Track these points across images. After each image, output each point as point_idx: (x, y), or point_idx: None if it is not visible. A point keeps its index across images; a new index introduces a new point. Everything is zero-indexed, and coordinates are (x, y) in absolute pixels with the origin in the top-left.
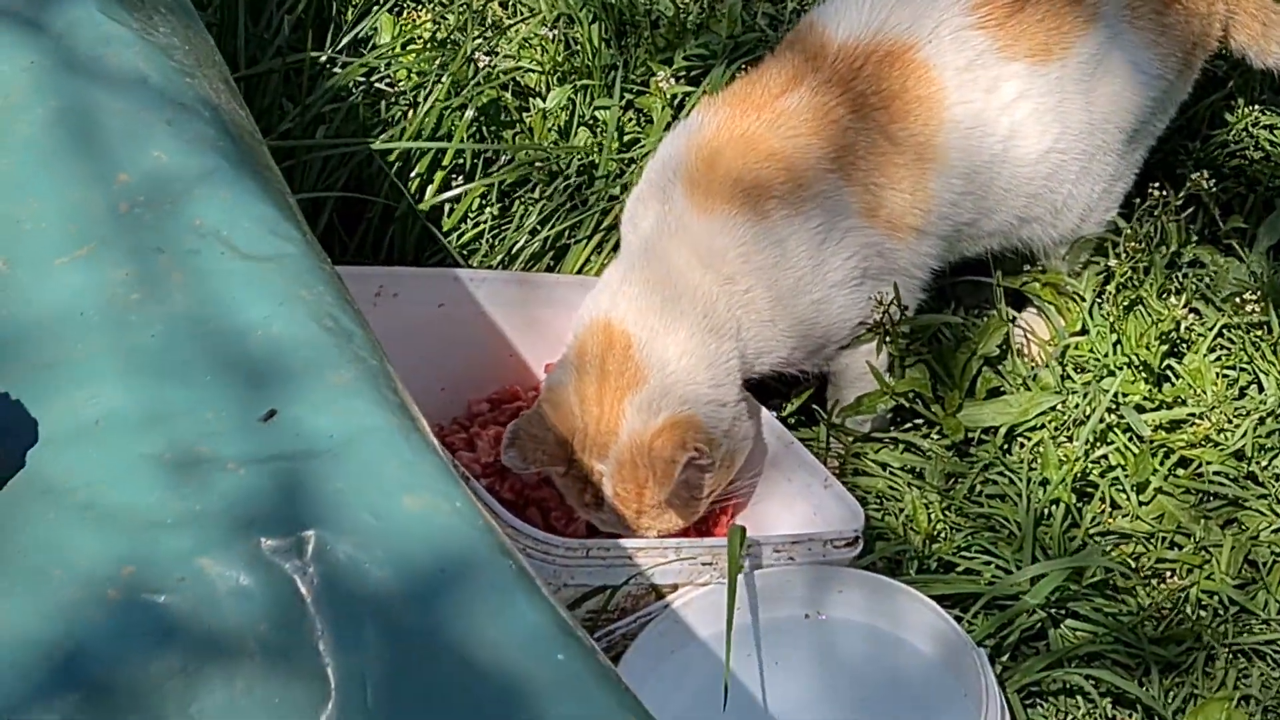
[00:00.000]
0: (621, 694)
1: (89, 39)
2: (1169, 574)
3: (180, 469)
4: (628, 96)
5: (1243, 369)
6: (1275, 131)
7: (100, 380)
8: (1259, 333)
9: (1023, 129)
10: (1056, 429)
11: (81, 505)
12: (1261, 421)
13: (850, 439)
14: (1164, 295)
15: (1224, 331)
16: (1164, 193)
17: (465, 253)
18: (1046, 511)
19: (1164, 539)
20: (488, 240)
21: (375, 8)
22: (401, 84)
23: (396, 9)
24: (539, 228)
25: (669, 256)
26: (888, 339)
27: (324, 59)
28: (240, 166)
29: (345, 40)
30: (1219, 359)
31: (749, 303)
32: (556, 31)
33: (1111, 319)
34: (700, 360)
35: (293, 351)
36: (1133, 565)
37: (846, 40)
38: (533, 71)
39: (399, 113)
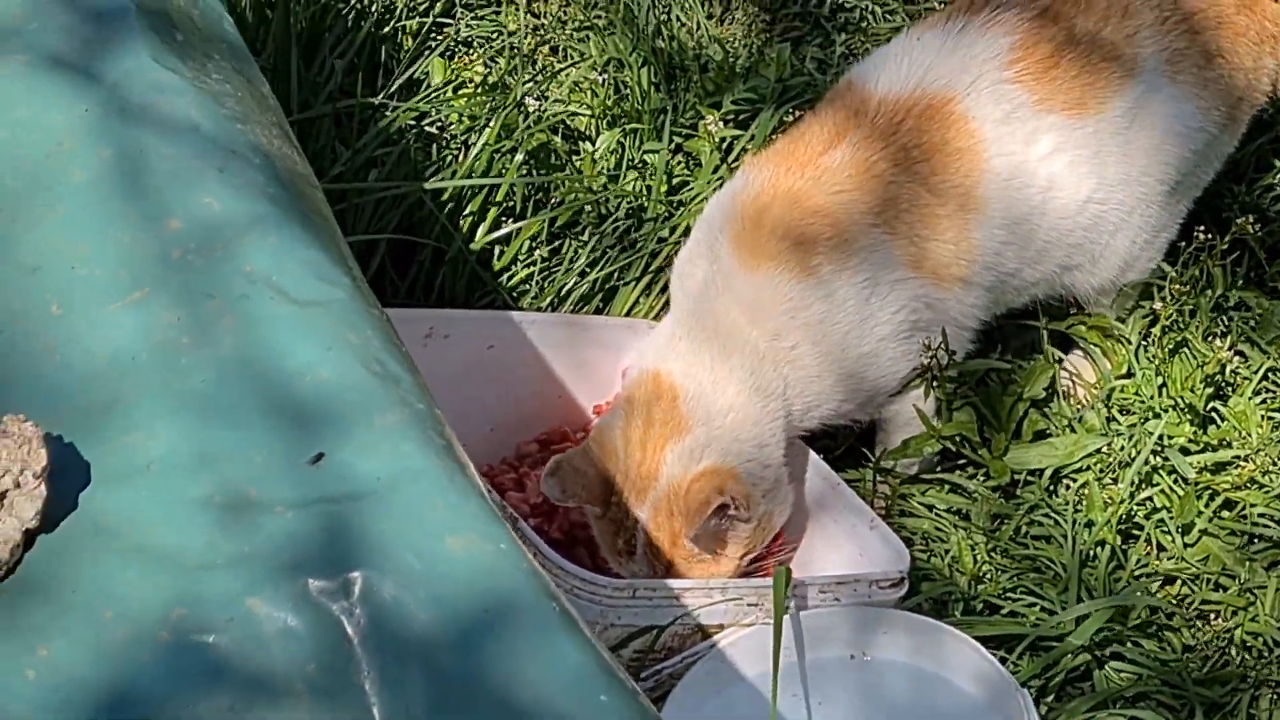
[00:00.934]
0: None
1: (142, 87)
2: (1213, 615)
3: (230, 511)
4: (676, 140)
5: None
6: None
7: (152, 423)
8: None
9: (1060, 180)
10: (1102, 471)
11: (133, 547)
12: None
13: (897, 480)
14: (1209, 338)
15: (1269, 374)
16: (1209, 236)
17: (515, 294)
18: (1092, 553)
19: (1208, 581)
20: (537, 282)
21: (427, 52)
22: (452, 127)
23: (448, 53)
24: (588, 270)
25: (717, 313)
26: (935, 383)
27: (376, 103)
28: (290, 213)
29: (397, 84)
30: (1264, 401)
31: (796, 359)
32: (606, 75)
33: (1157, 361)
34: (746, 418)
35: (340, 395)
36: (1177, 606)
37: (886, 95)
38: (582, 115)
39: (450, 156)
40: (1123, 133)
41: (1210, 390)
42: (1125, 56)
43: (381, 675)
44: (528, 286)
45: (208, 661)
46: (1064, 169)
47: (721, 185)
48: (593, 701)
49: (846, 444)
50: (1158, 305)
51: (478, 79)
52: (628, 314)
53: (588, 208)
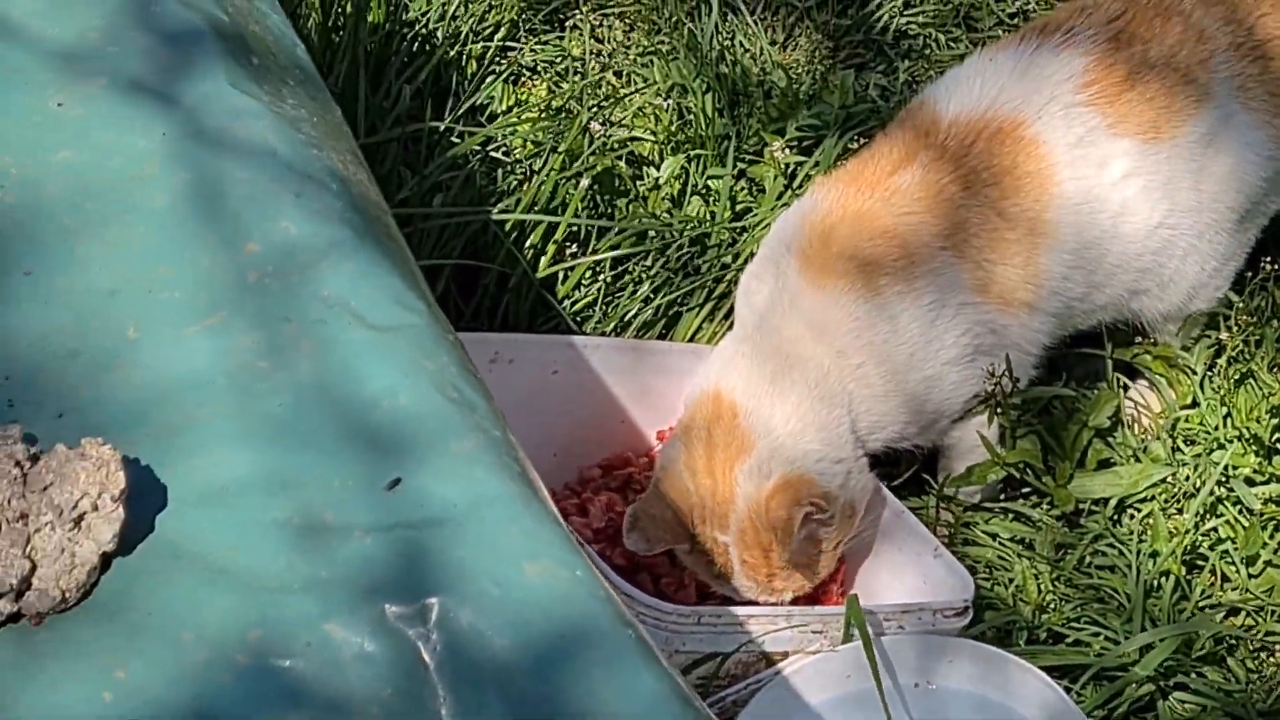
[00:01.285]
0: None
1: (219, 111)
2: (1278, 647)
3: (307, 535)
4: (740, 166)
5: None
6: None
7: (228, 447)
8: None
9: (1132, 205)
10: (1166, 501)
11: (210, 570)
12: None
13: (960, 508)
14: (1275, 368)
15: None
16: (1276, 266)
17: (579, 319)
18: (1156, 583)
19: (1273, 612)
20: (601, 307)
21: (491, 77)
22: (517, 152)
23: (512, 78)
24: (652, 296)
25: (781, 329)
26: (999, 410)
27: (443, 128)
28: (366, 238)
29: (463, 109)
30: None
31: (861, 377)
32: (670, 101)
33: (1222, 392)
34: (809, 425)
35: (417, 421)
36: (1242, 637)
37: (957, 117)
38: (646, 140)
39: (515, 181)
40: (1196, 159)
41: (1276, 421)
42: (1200, 82)
43: (458, 702)
44: (591, 311)
45: (285, 685)
46: (1137, 194)
47: (785, 211)
48: None
49: (909, 471)
50: (1223, 335)
51: (542, 104)
52: (691, 340)
53: (651, 233)
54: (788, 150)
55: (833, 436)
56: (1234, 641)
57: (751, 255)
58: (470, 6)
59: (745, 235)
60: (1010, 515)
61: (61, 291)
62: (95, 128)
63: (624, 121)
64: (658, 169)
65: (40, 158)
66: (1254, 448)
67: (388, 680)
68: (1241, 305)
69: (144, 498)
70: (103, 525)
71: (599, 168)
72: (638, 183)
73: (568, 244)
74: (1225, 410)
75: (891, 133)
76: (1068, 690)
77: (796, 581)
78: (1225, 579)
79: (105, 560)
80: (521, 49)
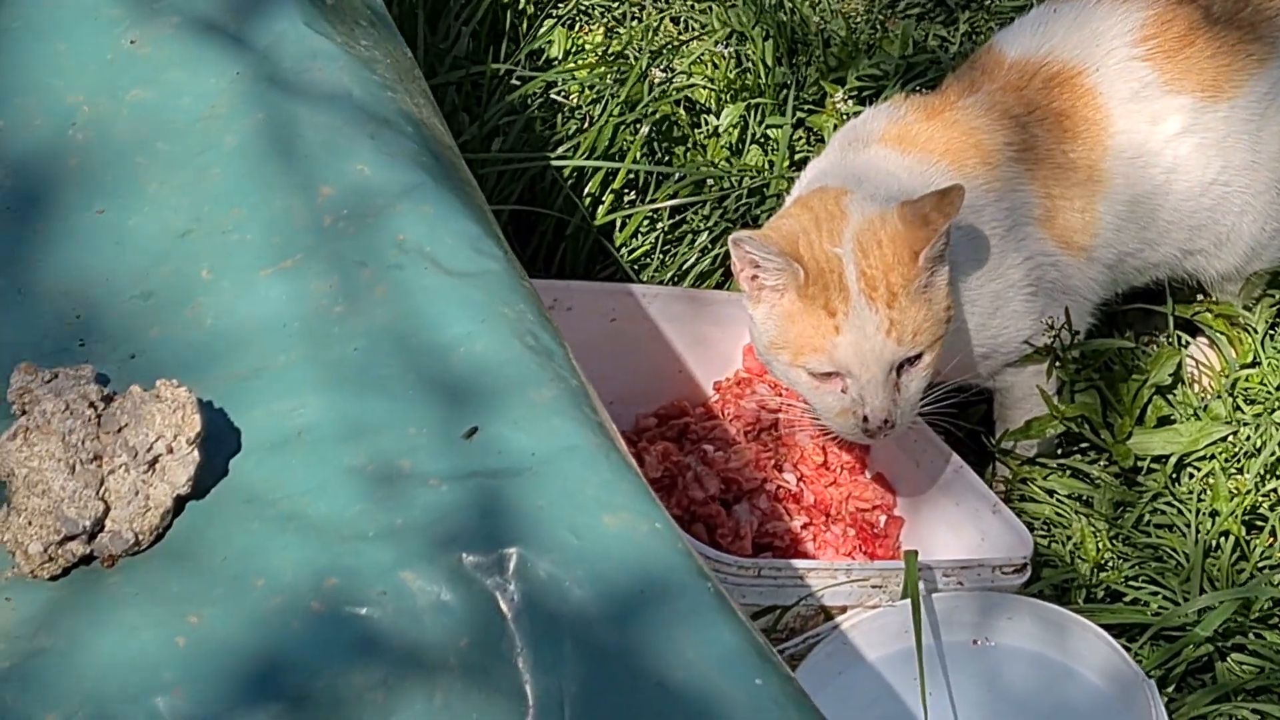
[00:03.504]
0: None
1: (294, 53)
2: None
3: (383, 482)
4: (800, 115)
5: None
6: None
7: (303, 391)
8: None
9: (1186, 163)
10: (1227, 460)
11: (284, 515)
12: None
13: (1017, 462)
14: None
15: None
16: None
17: (637, 267)
18: (1215, 543)
19: None
20: (659, 255)
21: (549, 20)
22: (575, 98)
23: (569, 22)
24: (710, 245)
25: (871, 163)
26: (1058, 363)
27: (503, 70)
28: (442, 182)
29: (521, 52)
30: None
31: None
32: (729, 49)
33: None
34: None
35: (495, 369)
36: None
37: (1018, 58)
38: (704, 88)
39: (574, 126)
40: (1256, 119)
41: None
42: (1264, 39)
43: (535, 652)
44: (649, 260)
45: (360, 633)
46: (1191, 151)
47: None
48: (748, 684)
49: (967, 430)
50: None
51: (599, 49)
52: None
53: (710, 182)
54: (848, 100)
55: None
56: None
57: None
58: None
59: None
60: (1068, 472)
61: (134, 231)
62: (168, 66)
63: (682, 69)
64: (716, 117)
65: (112, 96)
66: None
67: (464, 630)
68: None
69: (217, 441)
70: (177, 468)
71: (658, 114)
72: (696, 131)
73: (626, 191)
74: None
75: (958, 74)
76: (1126, 649)
77: (916, 313)
78: None
79: (179, 503)
80: None
